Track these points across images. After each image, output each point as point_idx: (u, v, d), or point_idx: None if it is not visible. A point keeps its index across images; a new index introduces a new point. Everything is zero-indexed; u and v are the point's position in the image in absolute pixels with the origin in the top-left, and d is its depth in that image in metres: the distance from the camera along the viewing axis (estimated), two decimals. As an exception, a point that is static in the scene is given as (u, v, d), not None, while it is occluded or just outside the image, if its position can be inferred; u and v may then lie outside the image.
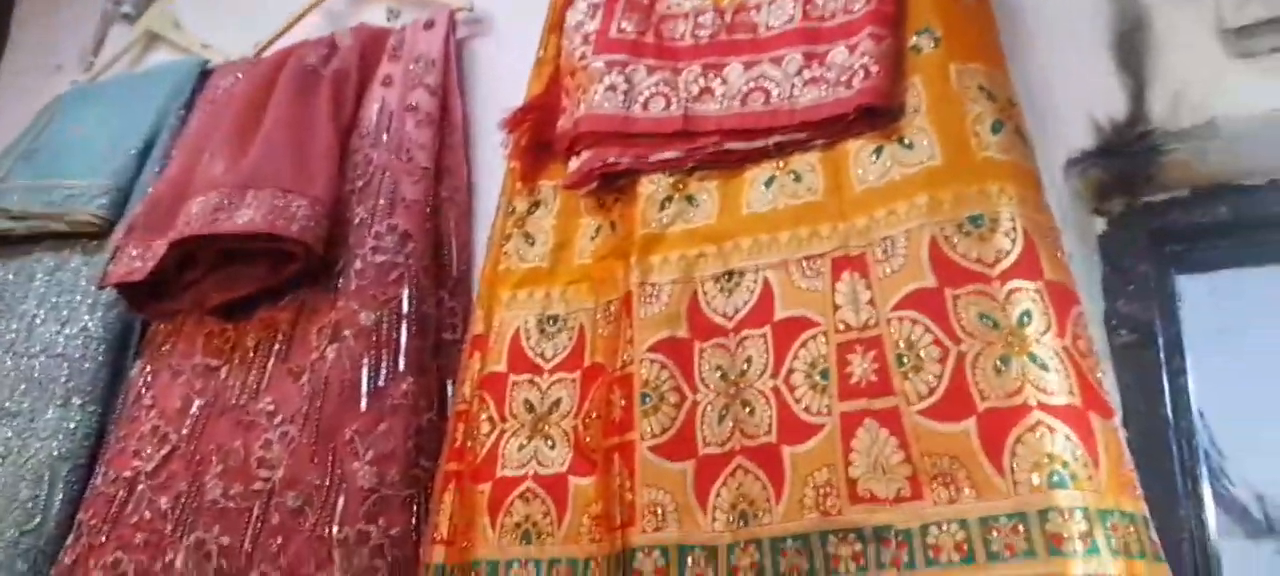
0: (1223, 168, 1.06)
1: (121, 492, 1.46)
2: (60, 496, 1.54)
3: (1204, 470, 1.17)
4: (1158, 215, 1.14)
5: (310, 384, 1.37)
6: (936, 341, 0.92)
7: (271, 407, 1.40)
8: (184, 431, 1.47)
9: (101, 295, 1.66)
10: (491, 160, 1.48)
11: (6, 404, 1.61)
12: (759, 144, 1.11)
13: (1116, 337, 1.14)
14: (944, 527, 0.86)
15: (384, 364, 1.34)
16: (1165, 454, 1.12)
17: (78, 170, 1.76)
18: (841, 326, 0.98)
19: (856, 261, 1.00)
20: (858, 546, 0.89)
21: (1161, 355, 1.15)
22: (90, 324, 1.66)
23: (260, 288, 1.49)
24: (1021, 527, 0.83)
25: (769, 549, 0.94)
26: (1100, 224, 1.15)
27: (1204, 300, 1.20)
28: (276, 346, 1.46)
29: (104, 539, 1.43)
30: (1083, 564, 0.80)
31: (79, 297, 1.68)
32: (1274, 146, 1.01)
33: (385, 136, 1.52)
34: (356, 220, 1.45)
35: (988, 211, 0.94)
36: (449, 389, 1.38)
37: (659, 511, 1.01)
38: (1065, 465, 0.83)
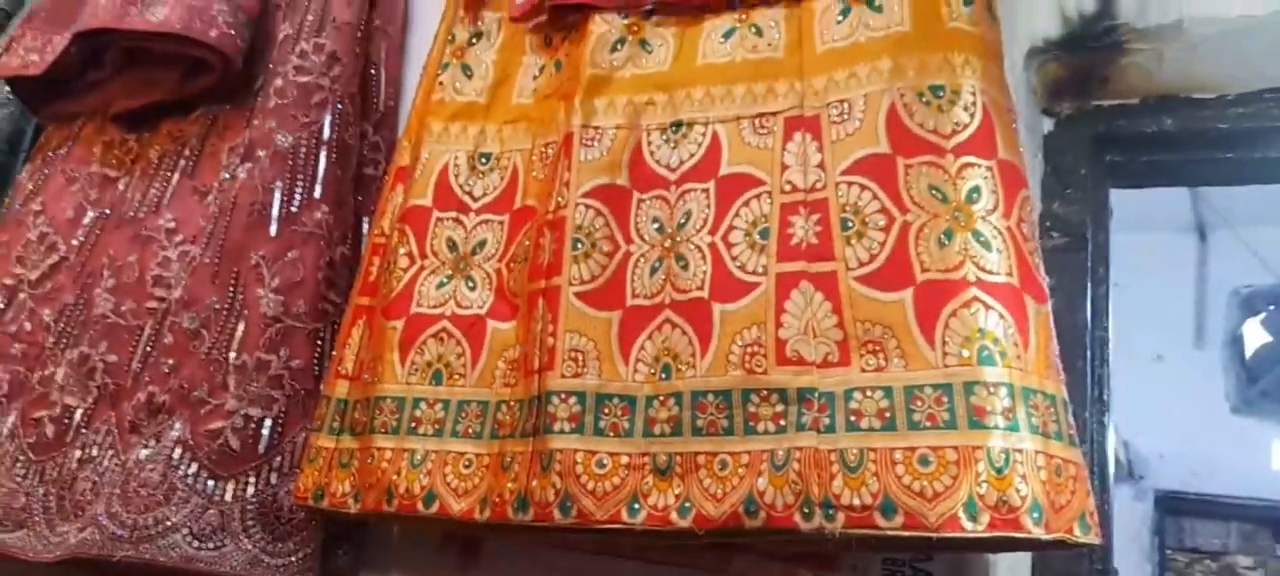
0: (1176, 77, 1.05)
1: (0, 301, 1.37)
2: (-68, 299, 1.44)
3: (1110, 382, 1.20)
4: (1104, 121, 1.13)
5: (217, 203, 1.29)
6: (883, 209, 0.90)
7: (172, 224, 1.31)
8: (74, 242, 1.38)
9: (-10, 90, 1.53)
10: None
11: (-125, 197, 1.48)
12: (722, -9, 1.06)
13: (1048, 239, 1.15)
14: (868, 394, 0.85)
15: (299, 189, 1.26)
16: (1079, 359, 1.14)
17: (-30, -49, 1.61)
18: (787, 187, 0.95)
19: (810, 122, 0.97)
20: (779, 407, 0.88)
21: (1089, 262, 1.16)
22: (-24, 121, 1.53)
23: (170, 97, 1.39)
24: (945, 398, 0.82)
25: (689, 402, 0.91)
26: (1048, 124, 1.14)
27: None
28: (182, 161, 1.37)
29: (-22, 346, 1.34)
30: (1002, 438, 0.79)
31: (-34, 92, 1.55)
32: (1232, 58, 1.01)
33: (319, -49, 1.42)
34: (281, 36, 1.35)
35: (950, 83, 0.91)
36: (366, 226, 1.32)
37: (579, 358, 0.97)
38: (996, 342, 0.82)
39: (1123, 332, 1.21)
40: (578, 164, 1.04)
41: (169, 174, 1.37)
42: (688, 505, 0.88)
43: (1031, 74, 1.10)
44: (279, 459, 1.15)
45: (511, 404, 1.01)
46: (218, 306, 1.21)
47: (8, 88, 1.51)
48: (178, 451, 1.14)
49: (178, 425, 1.15)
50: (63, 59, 1.39)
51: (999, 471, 0.78)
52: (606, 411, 0.95)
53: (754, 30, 1.05)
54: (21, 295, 1.36)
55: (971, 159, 0.89)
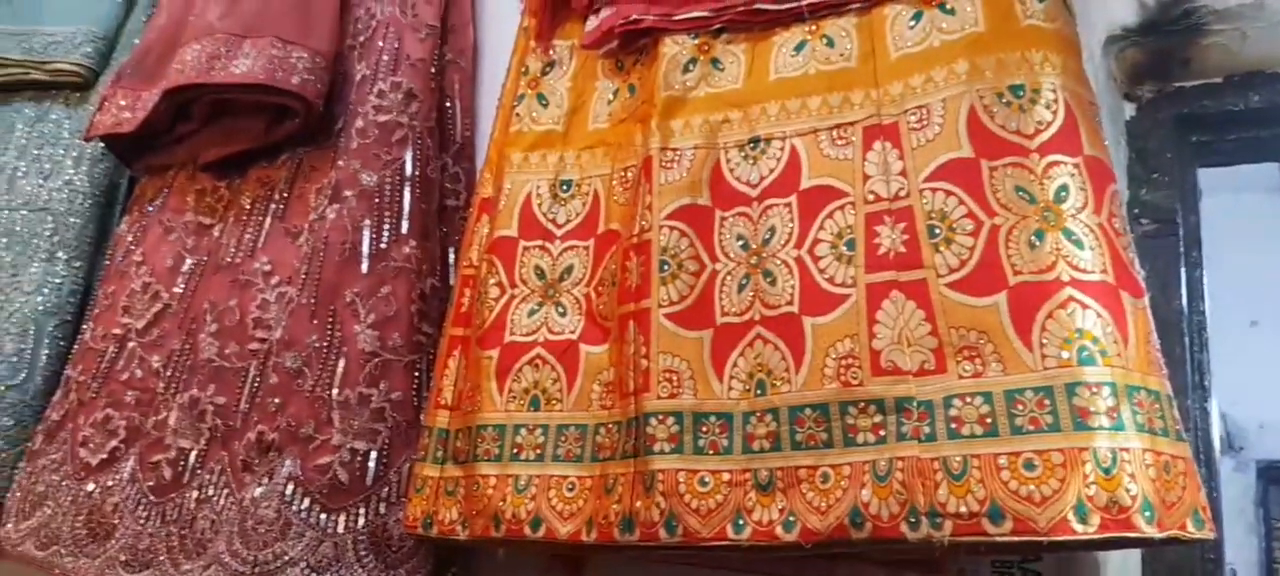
0: (1261, 54, 1.03)
1: (111, 349, 1.44)
2: (46, 351, 1.51)
3: (1211, 366, 1.18)
4: (1187, 102, 1.12)
5: (309, 244, 1.33)
6: (970, 214, 0.90)
7: (268, 267, 1.36)
8: (176, 289, 1.44)
9: (87, 148, 1.60)
10: (499, 21, 1.43)
11: (-11, 257, 1.56)
12: (790, 5, 1.07)
13: (1137, 226, 1.14)
14: (967, 400, 0.85)
15: (386, 226, 1.30)
16: (1177, 344, 1.12)
17: (59, 15, 1.68)
18: (871, 196, 0.96)
19: (889, 130, 0.97)
20: (877, 417, 0.88)
21: (1181, 247, 1.14)
22: (75, 178, 1.60)
23: (256, 144, 1.44)
24: (1047, 401, 0.82)
25: (786, 417, 0.93)
26: (1129, 109, 1.13)
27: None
28: (273, 205, 1.42)
29: (94, 395, 1.41)
30: (1107, 438, 0.79)
31: (62, 150, 1.63)
32: (1322, 30, 0.99)
33: (388, -11, 1.46)
34: (358, 77, 1.39)
35: (1029, 81, 0.91)
36: (452, 255, 1.36)
37: (674, 378, 0.99)
38: (1095, 341, 0.82)
39: (1213, 301, 1.19)
40: (659, 186, 1.06)
41: (261, 218, 1.42)
42: (792, 519, 0.89)
43: (1110, 61, 1.09)
44: (386, 489, 1.19)
45: (610, 426, 1.04)
46: (318, 344, 1.26)
47: (102, 144, 1.57)
48: (290, 487, 1.18)
49: (288, 462, 1.20)
50: (153, 115, 1.45)
51: (1107, 472, 0.78)
52: (704, 430, 0.96)
53: (825, 41, 1.06)
54: (131, 344, 1.42)
55: (1057, 157, 0.89)
